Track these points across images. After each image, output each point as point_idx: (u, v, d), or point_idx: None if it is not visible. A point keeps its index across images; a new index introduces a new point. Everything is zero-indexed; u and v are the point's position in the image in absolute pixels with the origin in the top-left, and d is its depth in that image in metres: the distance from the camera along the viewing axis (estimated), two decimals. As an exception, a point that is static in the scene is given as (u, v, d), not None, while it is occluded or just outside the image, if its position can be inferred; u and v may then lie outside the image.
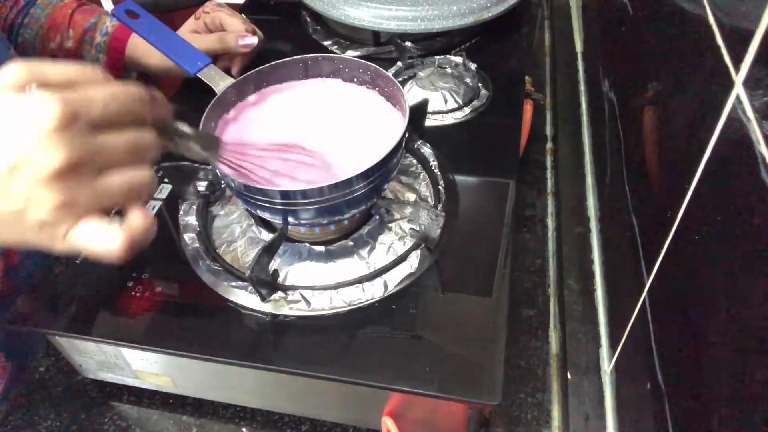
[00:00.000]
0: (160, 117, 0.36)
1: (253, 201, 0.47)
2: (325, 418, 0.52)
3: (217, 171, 0.47)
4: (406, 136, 0.60)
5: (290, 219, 0.48)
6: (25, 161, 0.29)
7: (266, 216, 0.50)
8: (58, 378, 0.56)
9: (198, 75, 0.59)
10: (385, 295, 0.48)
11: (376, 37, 0.76)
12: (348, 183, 0.45)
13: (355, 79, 0.56)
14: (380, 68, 0.54)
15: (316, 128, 0.53)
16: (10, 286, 0.60)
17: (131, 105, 0.33)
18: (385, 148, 0.46)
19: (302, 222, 0.49)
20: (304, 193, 0.44)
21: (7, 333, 0.60)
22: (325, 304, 0.48)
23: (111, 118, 0.32)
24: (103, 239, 0.32)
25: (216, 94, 0.53)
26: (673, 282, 0.38)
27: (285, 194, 0.45)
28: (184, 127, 0.39)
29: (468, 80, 0.68)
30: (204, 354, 0.46)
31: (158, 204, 0.58)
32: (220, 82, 0.57)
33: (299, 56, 0.56)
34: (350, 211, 0.48)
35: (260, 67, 0.55)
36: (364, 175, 0.45)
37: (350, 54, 0.76)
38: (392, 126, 0.53)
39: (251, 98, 0.56)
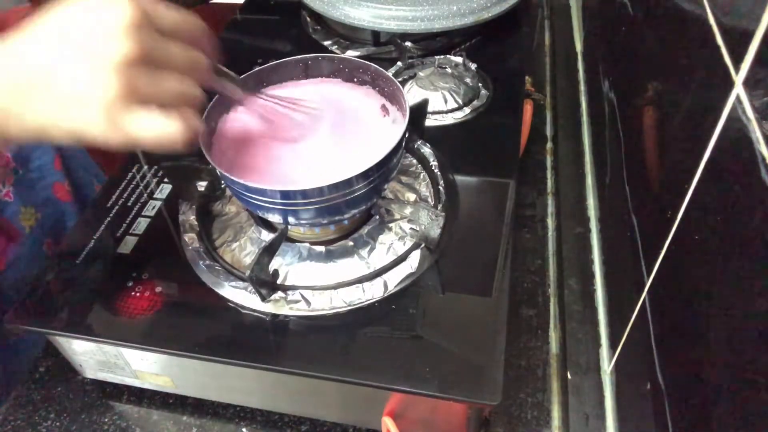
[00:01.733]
0: (211, 54, 0.41)
1: (253, 201, 0.47)
2: (325, 418, 0.52)
3: (218, 171, 0.47)
4: (406, 136, 0.60)
5: (290, 219, 0.48)
6: (98, 48, 0.33)
7: (266, 216, 0.50)
8: (58, 378, 0.56)
9: None
10: (385, 295, 0.48)
11: (376, 37, 0.76)
12: (348, 183, 0.45)
13: (356, 79, 0.56)
14: (380, 68, 0.54)
15: (315, 128, 0.53)
16: None
17: (195, 29, 0.38)
18: (385, 148, 0.46)
19: (302, 222, 0.49)
20: (304, 193, 0.44)
21: None
22: (325, 304, 0.48)
23: (177, 30, 0.37)
24: (162, 125, 0.35)
25: (216, 94, 0.53)
26: (673, 282, 0.38)
27: (285, 194, 0.45)
28: (231, 74, 0.45)
29: (468, 80, 0.68)
30: (204, 354, 0.46)
31: (158, 204, 0.58)
32: None
33: (299, 56, 0.56)
34: (350, 211, 0.48)
35: (260, 67, 0.55)
36: (364, 175, 0.45)
37: (350, 54, 0.76)
38: (392, 126, 0.52)
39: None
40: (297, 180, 0.48)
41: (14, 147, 0.61)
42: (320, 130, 0.53)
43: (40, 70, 0.34)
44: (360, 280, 0.49)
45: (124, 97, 0.33)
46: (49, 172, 0.67)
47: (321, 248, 0.51)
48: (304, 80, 0.57)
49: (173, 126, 0.35)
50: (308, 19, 0.82)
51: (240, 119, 0.54)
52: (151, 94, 0.35)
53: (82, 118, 0.34)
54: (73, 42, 0.33)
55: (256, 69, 0.55)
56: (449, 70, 0.70)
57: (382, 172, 0.47)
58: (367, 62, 0.55)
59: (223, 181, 0.54)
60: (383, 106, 0.54)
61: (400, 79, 0.70)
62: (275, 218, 0.50)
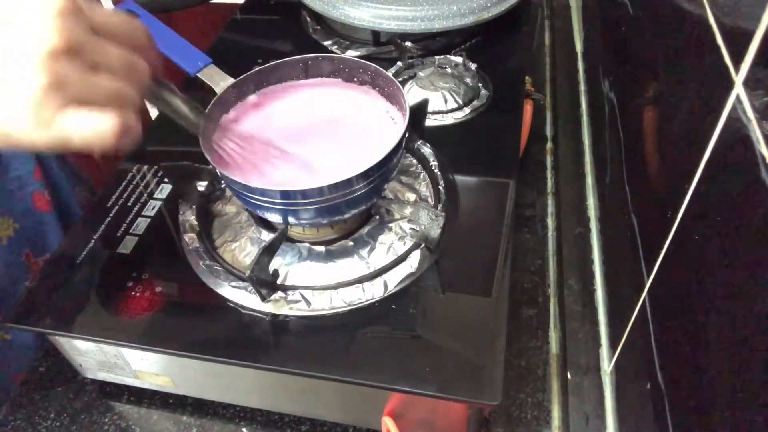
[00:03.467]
0: (152, 64, 0.38)
1: (253, 201, 0.47)
2: (325, 418, 0.52)
3: (218, 171, 0.47)
4: (406, 136, 0.60)
5: (290, 219, 0.48)
6: (22, 39, 0.31)
7: (266, 216, 0.50)
8: (58, 378, 0.56)
9: (198, 75, 0.59)
10: (385, 295, 0.48)
11: (376, 37, 0.76)
12: (348, 183, 0.45)
13: (356, 79, 0.56)
14: (380, 68, 0.54)
15: (316, 128, 0.53)
16: None
17: (137, 34, 0.36)
18: (385, 148, 0.46)
19: (302, 222, 0.49)
20: (304, 193, 0.44)
21: None
22: (325, 304, 0.48)
23: (113, 30, 0.34)
24: (93, 123, 0.32)
25: (216, 94, 0.53)
26: (673, 282, 0.38)
27: (285, 194, 0.45)
28: (174, 87, 0.41)
29: (468, 80, 0.68)
30: (204, 354, 0.46)
31: (158, 204, 0.58)
32: (220, 82, 0.57)
33: (299, 56, 0.56)
34: (350, 210, 0.48)
35: (260, 67, 0.55)
36: (365, 175, 0.45)
37: (350, 54, 0.76)
38: (392, 126, 0.53)
39: (251, 98, 0.55)
40: (297, 180, 0.48)
41: None
42: (320, 131, 0.52)
43: None
44: (360, 280, 0.49)
45: (50, 90, 0.31)
46: (28, 181, 0.65)
47: (321, 248, 0.51)
48: (304, 80, 0.57)
49: (105, 123, 0.33)
50: (308, 19, 0.82)
51: (242, 119, 0.54)
52: (81, 90, 0.32)
53: (6, 117, 0.32)
54: None
55: (256, 69, 0.55)
56: (449, 70, 0.70)
57: (382, 172, 0.47)
58: (367, 62, 0.54)
59: (223, 181, 0.54)
60: (383, 106, 0.54)
61: (400, 79, 0.70)
62: (275, 218, 0.50)
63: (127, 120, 0.34)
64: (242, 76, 0.55)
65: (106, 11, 0.34)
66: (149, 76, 0.37)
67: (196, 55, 0.60)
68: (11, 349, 0.62)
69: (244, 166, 0.49)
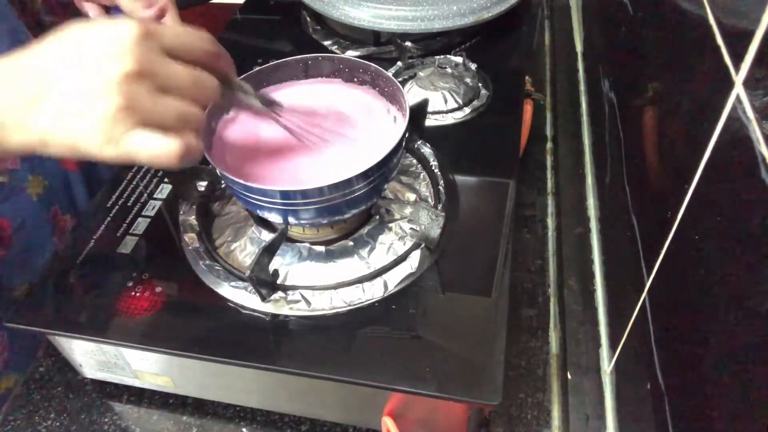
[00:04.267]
0: (223, 71, 0.42)
1: (252, 201, 0.47)
2: (325, 418, 0.52)
3: (217, 171, 0.47)
4: (407, 136, 0.60)
5: (290, 219, 0.48)
6: (100, 64, 0.34)
7: (266, 216, 0.50)
8: (58, 378, 0.56)
9: None
10: (385, 295, 0.48)
11: (376, 37, 0.76)
12: (348, 183, 0.45)
13: (356, 79, 0.56)
14: (380, 68, 0.54)
15: (316, 128, 0.53)
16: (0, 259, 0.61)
17: (202, 46, 0.39)
18: (386, 148, 0.46)
19: (303, 222, 0.49)
20: (303, 193, 0.44)
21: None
22: (325, 304, 0.48)
23: (182, 49, 0.37)
24: (158, 144, 0.35)
25: None
26: (673, 282, 0.38)
27: (285, 194, 0.45)
28: (246, 85, 0.45)
29: (468, 80, 0.68)
30: (204, 354, 0.46)
31: (158, 204, 0.58)
32: None
33: (299, 56, 0.56)
34: (350, 210, 0.48)
35: (260, 67, 0.55)
36: (364, 175, 0.45)
37: (350, 54, 0.76)
38: (392, 126, 0.53)
39: None
40: (297, 180, 0.48)
41: (12, 158, 0.62)
42: (320, 130, 0.53)
43: (44, 82, 0.34)
44: (360, 280, 0.49)
45: (122, 112, 0.34)
46: None
47: (321, 248, 0.51)
48: (304, 80, 0.57)
49: (170, 146, 0.35)
50: (308, 19, 0.82)
51: (241, 119, 0.54)
52: (150, 112, 0.35)
53: (80, 131, 0.35)
54: (78, 57, 0.34)
55: (257, 69, 0.55)
56: (449, 70, 0.70)
57: (382, 172, 0.47)
58: (367, 62, 0.54)
59: (223, 181, 0.54)
60: (384, 107, 0.54)
61: (400, 79, 0.70)
62: (275, 218, 0.50)
63: (189, 142, 0.36)
64: (242, 76, 0.55)
65: (175, 30, 0.37)
66: (218, 89, 0.39)
67: None
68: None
69: (313, 142, 0.50)
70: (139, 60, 0.34)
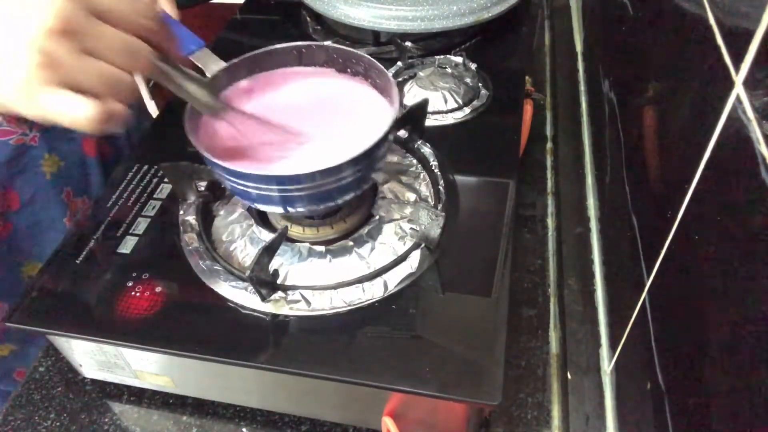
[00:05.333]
0: (161, 46, 0.38)
1: (240, 187, 0.46)
2: (325, 418, 0.52)
3: (204, 156, 0.46)
4: (405, 133, 0.60)
5: (282, 206, 0.47)
6: (22, 20, 0.32)
7: (256, 205, 0.49)
8: (58, 378, 0.56)
9: (190, 58, 0.57)
10: (385, 295, 0.48)
11: (376, 37, 0.76)
12: (337, 169, 0.44)
13: (349, 70, 0.56)
14: (373, 59, 0.53)
15: (307, 116, 0.53)
16: (6, 232, 0.62)
17: (138, 14, 0.36)
18: (374, 136, 0.46)
19: (295, 209, 0.48)
20: (295, 179, 0.44)
21: None
22: (325, 304, 0.48)
23: (115, 13, 0.35)
24: (77, 106, 0.34)
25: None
26: (673, 282, 0.38)
27: (276, 180, 0.44)
28: (193, 73, 0.42)
29: (468, 80, 0.69)
30: (204, 354, 0.46)
31: (158, 204, 0.58)
32: (212, 65, 0.55)
33: (293, 43, 0.56)
34: (341, 197, 0.48)
35: (254, 52, 0.54)
36: (353, 162, 0.44)
37: (350, 54, 0.76)
38: (383, 117, 0.52)
39: (243, 83, 0.55)
40: (288, 167, 0.47)
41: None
42: (312, 118, 0.52)
43: None
44: (360, 280, 0.49)
45: (41, 69, 0.33)
46: None
47: (321, 248, 0.51)
48: (298, 67, 0.56)
49: (87, 109, 0.34)
50: (308, 19, 0.82)
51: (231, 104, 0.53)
52: (70, 72, 0.33)
53: (4, 87, 0.34)
54: (2, 13, 0.33)
55: (249, 54, 0.54)
56: (449, 70, 0.70)
57: (369, 160, 0.47)
58: (360, 53, 0.54)
59: (215, 171, 0.52)
60: (374, 98, 0.54)
61: (400, 79, 0.71)
62: (266, 207, 0.49)
63: (111, 108, 0.35)
64: (234, 60, 0.54)
65: None
66: (151, 60, 0.37)
67: (189, 38, 0.58)
68: None
69: (256, 149, 0.49)
70: (63, 17, 0.33)
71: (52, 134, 0.66)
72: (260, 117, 0.50)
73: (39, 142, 0.64)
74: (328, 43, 0.78)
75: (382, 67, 0.53)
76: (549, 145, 0.76)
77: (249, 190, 0.46)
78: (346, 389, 0.46)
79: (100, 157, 0.73)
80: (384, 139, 0.47)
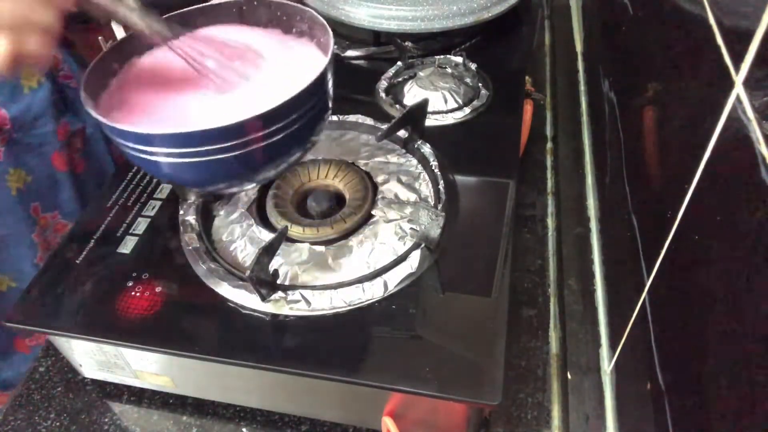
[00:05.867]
0: None
1: (140, 155, 0.41)
2: (325, 418, 0.52)
3: (94, 116, 0.41)
4: (402, 132, 0.57)
5: (203, 179, 0.43)
6: None
7: (163, 180, 0.46)
8: (58, 378, 0.56)
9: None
10: (385, 295, 0.48)
11: (376, 37, 0.76)
12: (273, 115, 0.40)
13: (294, 29, 0.52)
14: (316, 14, 0.50)
15: (238, 74, 0.48)
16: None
17: None
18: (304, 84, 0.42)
19: (214, 186, 0.45)
20: (223, 132, 0.39)
21: None
22: (325, 304, 0.48)
23: None
24: None
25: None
26: (673, 282, 0.38)
27: (175, 138, 0.39)
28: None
29: (468, 80, 0.69)
30: (204, 354, 0.46)
31: (158, 204, 0.58)
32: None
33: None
34: (274, 164, 0.44)
35: (188, 9, 0.50)
36: (286, 108, 0.40)
37: (350, 53, 0.76)
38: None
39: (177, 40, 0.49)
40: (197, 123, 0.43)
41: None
42: (245, 85, 0.48)
43: None
44: (360, 280, 0.49)
45: None
46: (49, 140, 0.67)
47: (321, 248, 0.51)
48: (238, 26, 0.52)
49: None
50: (308, 19, 0.82)
51: (154, 62, 0.49)
52: None
53: None
54: None
55: (180, 11, 0.50)
56: (449, 70, 0.70)
57: (298, 115, 0.43)
58: (302, 7, 0.51)
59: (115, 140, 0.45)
60: (311, 53, 0.50)
61: (400, 79, 0.71)
62: (184, 182, 0.46)
63: (22, 47, 0.33)
64: (165, 16, 0.48)
65: None
66: (55, 19, 0.34)
67: None
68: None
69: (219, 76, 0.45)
70: None
71: (19, 148, 0.64)
72: (209, 37, 0.47)
73: (4, 157, 0.62)
74: (334, 49, 0.77)
75: (324, 22, 0.50)
76: (549, 145, 0.76)
77: (158, 158, 0.41)
78: (346, 389, 0.46)
79: (72, 172, 0.71)
80: (315, 86, 0.43)
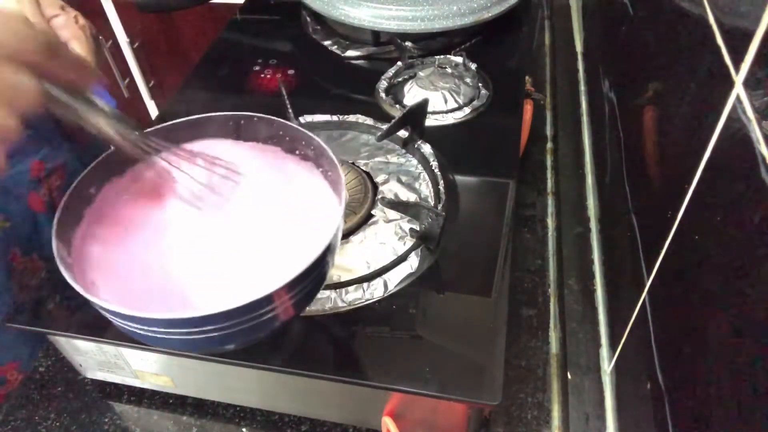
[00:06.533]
0: (73, 80, 0.33)
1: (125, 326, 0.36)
2: (325, 418, 0.52)
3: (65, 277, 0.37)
4: (402, 132, 0.54)
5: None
6: None
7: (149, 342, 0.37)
8: (58, 378, 0.56)
9: None
10: (385, 295, 0.48)
11: (376, 37, 0.76)
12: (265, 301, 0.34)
13: (297, 152, 0.45)
14: (323, 145, 0.43)
15: (233, 215, 0.41)
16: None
17: (23, 39, 0.30)
18: (303, 260, 0.34)
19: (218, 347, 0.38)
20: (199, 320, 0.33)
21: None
22: (325, 304, 0.48)
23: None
24: None
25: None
26: (673, 282, 0.38)
27: (185, 322, 0.33)
28: (99, 101, 0.35)
29: (468, 80, 0.69)
30: (204, 354, 0.46)
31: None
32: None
33: (229, 113, 0.45)
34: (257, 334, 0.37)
35: (173, 122, 0.44)
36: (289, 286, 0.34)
37: (350, 53, 0.76)
38: (329, 218, 0.41)
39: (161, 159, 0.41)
40: (185, 296, 0.37)
41: None
42: (237, 211, 0.41)
43: None
44: (360, 280, 0.49)
45: None
46: (22, 180, 0.63)
47: (321, 248, 0.51)
48: (234, 141, 0.45)
49: None
50: (308, 19, 0.82)
51: (136, 188, 0.42)
52: None
53: None
54: None
55: (167, 124, 0.44)
56: (449, 70, 0.70)
57: (301, 287, 0.36)
58: (310, 135, 0.44)
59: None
60: (324, 193, 0.43)
61: (400, 79, 0.70)
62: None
63: None
64: (149, 130, 0.42)
65: None
66: (37, 95, 0.31)
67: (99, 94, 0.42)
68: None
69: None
70: None
71: None
72: (194, 152, 0.41)
73: None
74: (334, 49, 0.76)
75: (334, 158, 0.42)
76: (549, 145, 0.76)
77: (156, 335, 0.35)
78: (346, 389, 0.46)
79: (50, 212, 0.65)
80: (321, 260, 0.36)
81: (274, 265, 0.38)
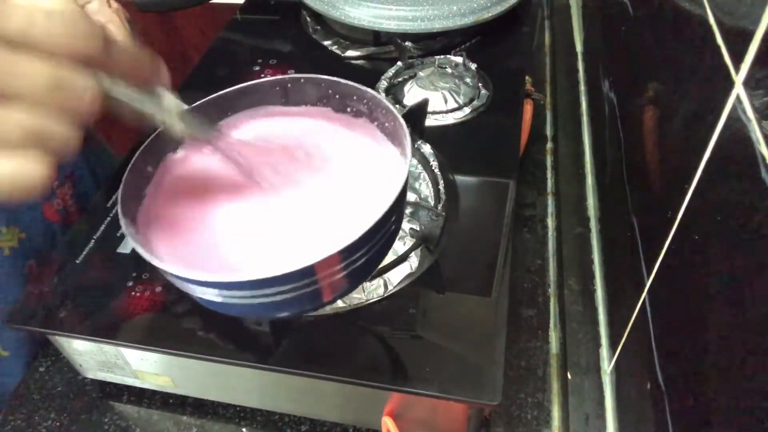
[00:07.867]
0: (131, 71, 0.30)
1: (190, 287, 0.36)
2: (325, 418, 0.52)
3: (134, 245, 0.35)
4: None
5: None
6: None
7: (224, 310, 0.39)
8: (58, 378, 0.56)
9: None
10: (385, 295, 0.48)
11: (376, 37, 0.76)
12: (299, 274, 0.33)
13: (349, 109, 0.44)
14: (378, 96, 0.42)
15: (288, 176, 0.41)
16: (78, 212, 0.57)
17: (76, 34, 0.26)
18: (364, 222, 0.33)
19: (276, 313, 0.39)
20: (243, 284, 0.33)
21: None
22: (325, 304, 0.48)
23: (36, 39, 0.25)
24: None
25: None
26: (673, 282, 0.38)
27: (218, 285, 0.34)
28: (171, 98, 0.33)
29: (468, 80, 0.69)
30: (204, 354, 0.46)
31: (158, 204, 0.57)
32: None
33: (275, 78, 0.44)
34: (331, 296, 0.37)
35: (221, 92, 0.43)
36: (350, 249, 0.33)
37: (350, 54, 0.76)
38: (393, 173, 0.40)
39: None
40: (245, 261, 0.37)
41: None
42: (297, 182, 0.41)
43: None
44: (360, 280, 0.49)
45: None
46: None
47: (321, 248, 0.51)
48: (282, 108, 0.45)
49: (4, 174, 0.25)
50: (308, 19, 0.82)
51: (193, 163, 0.42)
52: None
53: None
54: None
55: (214, 96, 0.43)
56: (449, 70, 0.70)
57: (367, 248, 0.35)
58: (363, 88, 0.42)
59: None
60: (380, 149, 0.42)
61: (400, 79, 0.70)
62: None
63: (24, 169, 0.26)
64: (198, 102, 0.42)
65: (29, 7, 0.25)
66: (94, 95, 0.28)
67: None
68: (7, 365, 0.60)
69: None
70: None
71: (9, 206, 0.58)
72: (256, 144, 0.40)
73: None
74: (334, 49, 0.76)
75: (389, 105, 0.41)
76: (549, 145, 0.76)
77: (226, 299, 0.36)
78: (346, 389, 0.46)
79: (65, 221, 0.65)
80: (395, 208, 0.35)
81: (347, 224, 0.37)
